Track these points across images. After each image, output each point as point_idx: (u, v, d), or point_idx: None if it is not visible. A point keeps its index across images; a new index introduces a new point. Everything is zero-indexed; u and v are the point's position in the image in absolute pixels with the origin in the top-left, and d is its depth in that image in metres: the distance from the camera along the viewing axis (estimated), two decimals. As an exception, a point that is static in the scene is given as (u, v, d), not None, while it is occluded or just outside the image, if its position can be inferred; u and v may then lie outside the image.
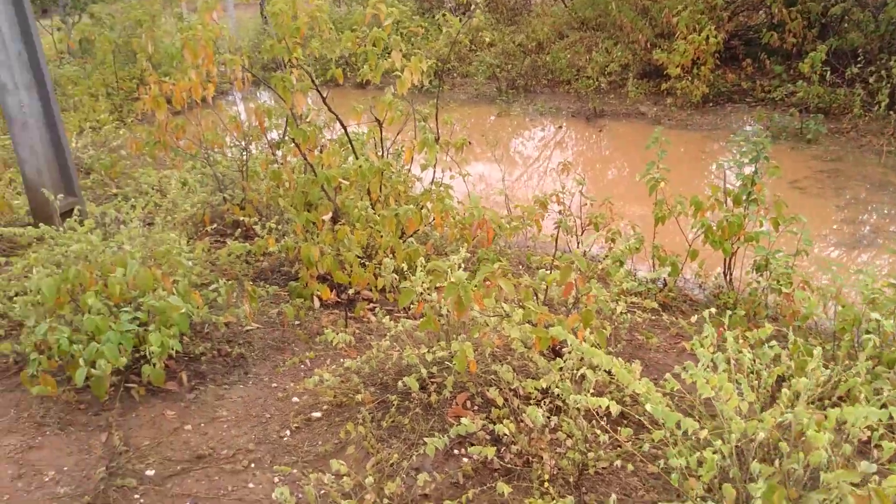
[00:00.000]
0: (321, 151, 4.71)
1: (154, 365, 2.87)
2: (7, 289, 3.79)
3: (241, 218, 5.21)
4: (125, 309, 2.96)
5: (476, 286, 2.43)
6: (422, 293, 3.22)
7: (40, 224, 4.81)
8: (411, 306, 3.70)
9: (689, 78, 10.68)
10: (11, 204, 4.72)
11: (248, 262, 4.73)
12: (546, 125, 10.80)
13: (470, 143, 5.23)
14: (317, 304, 4.18)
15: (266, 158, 5.44)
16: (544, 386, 2.61)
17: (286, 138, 5.74)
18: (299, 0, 4.19)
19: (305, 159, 4.53)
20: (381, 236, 4.12)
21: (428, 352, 3.01)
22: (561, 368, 2.68)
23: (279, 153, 5.93)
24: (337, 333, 3.56)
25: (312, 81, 4.37)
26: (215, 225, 5.18)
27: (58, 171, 5.14)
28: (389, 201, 4.99)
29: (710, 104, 10.79)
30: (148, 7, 12.29)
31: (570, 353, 2.74)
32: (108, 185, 6.44)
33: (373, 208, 4.52)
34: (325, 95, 4.50)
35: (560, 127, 10.55)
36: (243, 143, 5.42)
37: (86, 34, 12.88)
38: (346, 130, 4.67)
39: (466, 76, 13.66)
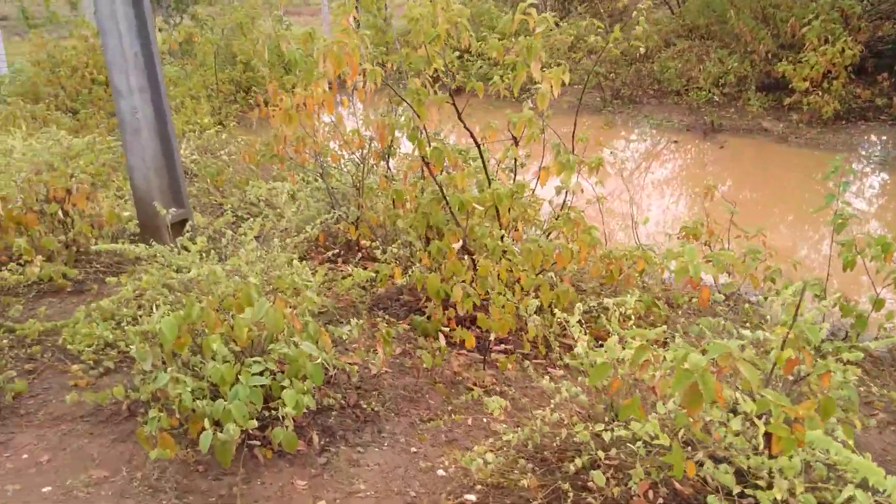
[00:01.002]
0: (441, 171, 4.26)
1: (286, 427, 2.45)
2: (118, 315, 3.48)
3: (356, 238, 4.83)
4: (256, 359, 2.56)
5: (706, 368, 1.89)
6: (584, 351, 2.72)
7: (149, 239, 4.54)
8: (552, 350, 3.17)
9: (819, 93, 9.77)
10: (121, 215, 4.47)
11: (365, 287, 4.32)
12: (658, 139, 10.10)
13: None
14: (442, 341, 3.72)
15: (384, 174, 5.04)
16: (778, 497, 2.05)
17: (404, 152, 5.33)
18: (440, 4, 3.74)
19: (435, 181, 4.08)
20: (522, 271, 3.62)
21: (605, 429, 2.49)
22: (791, 471, 2.10)
23: (392, 168, 5.53)
24: (483, 389, 3.08)
25: (451, 94, 3.91)
26: (334, 249, 4.80)
27: (167, 181, 4.88)
28: (518, 227, 4.50)
29: (843, 122, 9.84)
30: (248, 9, 12.22)
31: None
32: (213, 193, 6.19)
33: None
34: (460, 111, 4.03)
35: (675, 141, 9.82)
36: (360, 155, 5.02)
37: (188, 35, 12.96)
38: (479, 149, 4.19)
39: (564, 85, 13.05)
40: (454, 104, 3.96)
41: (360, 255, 4.69)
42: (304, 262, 4.55)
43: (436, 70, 3.81)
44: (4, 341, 3.43)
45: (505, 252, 3.72)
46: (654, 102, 11.87)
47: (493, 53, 3.83)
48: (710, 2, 12.88)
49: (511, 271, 3.72)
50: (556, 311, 3.23)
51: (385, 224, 4.83)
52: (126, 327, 3.31)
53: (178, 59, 13.13)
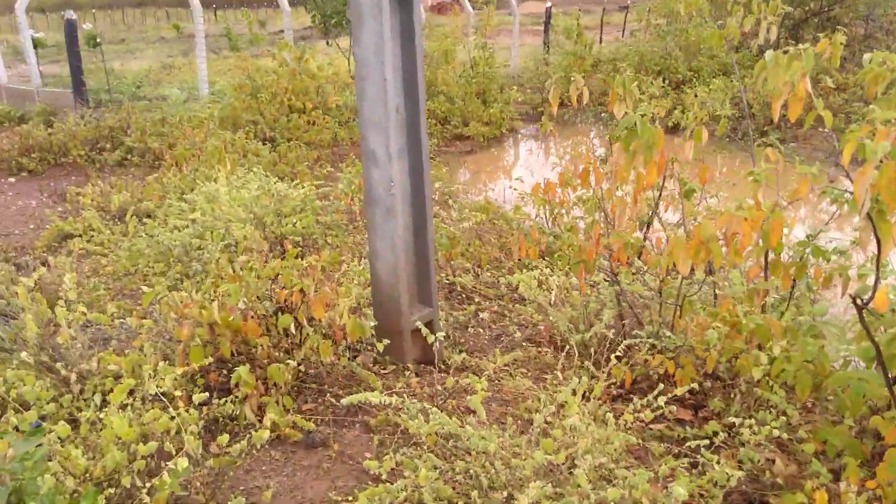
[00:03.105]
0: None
1: None
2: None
3: (674, 376, 3.34)
4: None
5: None
6: None
7: (387, 350, 3.35)
8: None
9: None
10: (366, 327, 3.25)
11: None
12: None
13: None
14: None
15: (714, 284, 3.52)
16: None
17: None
18: None
19: (865, 328, 2.51)
20: None
21: None
22: None
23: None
24: None
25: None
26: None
27: (416, 270, 3.67)
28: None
29: None
30: (452, 36, 11.22)
31: None
32: (443, 267, 4.97)
33: None
34: None
35: None
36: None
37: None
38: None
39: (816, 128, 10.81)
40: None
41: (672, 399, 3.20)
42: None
43: None
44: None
45: None
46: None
47: None
48: None
49: None
50: None
51: (720, 361, 3.31)
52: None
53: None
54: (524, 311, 4.45)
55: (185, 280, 4.63)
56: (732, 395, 3.31)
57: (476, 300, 4.70)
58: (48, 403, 2.79)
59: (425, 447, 2.59)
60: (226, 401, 2.84)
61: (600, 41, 18.39)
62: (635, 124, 2.87)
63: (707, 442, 2.81)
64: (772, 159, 3.65)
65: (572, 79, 3.72)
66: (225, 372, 3.26)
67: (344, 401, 2.52)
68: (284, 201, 5.21)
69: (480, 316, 4.47)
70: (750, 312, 3.18)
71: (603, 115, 13.47)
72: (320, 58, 10.91)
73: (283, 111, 9.91)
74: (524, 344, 4.14)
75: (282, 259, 4.09)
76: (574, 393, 2.52)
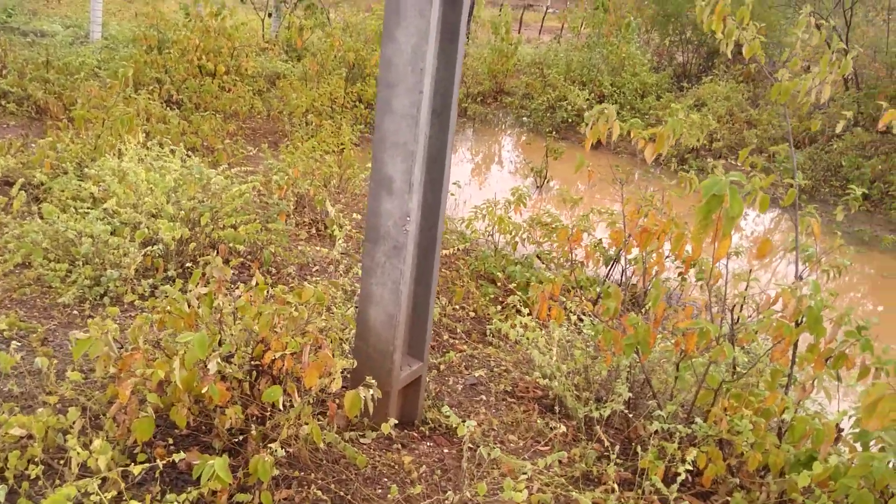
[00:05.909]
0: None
1: None
2: None
3: (706, 473, 2.95)
4: None
5: None
6: None
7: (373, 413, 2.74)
8: None
9: None
10: (367, 402, 2.59)
11: None
12: (869, 264, 8.18)
13: None
14: None
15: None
16: None
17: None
18: None
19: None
20: None
21: None
22: None
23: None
24: None
25: None
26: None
27: (414, 320, 3.06)
28: None
29: None
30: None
31: None
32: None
33: None
34: None
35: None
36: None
37: (299, 31, 11.19)
38: None
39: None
40: None
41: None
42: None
43: None
44: None
45: None
46: (835, 200, 9.96)
47: None
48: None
49: None
50: None
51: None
52: None
53: (294, 58, 11.35)
54: (497, 355, 3.97)
55: (94, 287, 3.73)
56: (755, 494, 2.98)
57: (445, 336, 4.15)
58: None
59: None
60: (185, 498, 2.12)
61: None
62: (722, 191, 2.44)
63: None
64: (816, 232, 3.37)
65: (605, 110, 3.26)
66: (171, 441, 2.52)
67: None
68: (221, 195, 4.36)
69: (451, 360, 3.92)
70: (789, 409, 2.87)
71: (525, 119, 13.19)
72: (236, 15, 9.78)
73: (192, 72, 8.75)
74: (506, 399, 3.66)
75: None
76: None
